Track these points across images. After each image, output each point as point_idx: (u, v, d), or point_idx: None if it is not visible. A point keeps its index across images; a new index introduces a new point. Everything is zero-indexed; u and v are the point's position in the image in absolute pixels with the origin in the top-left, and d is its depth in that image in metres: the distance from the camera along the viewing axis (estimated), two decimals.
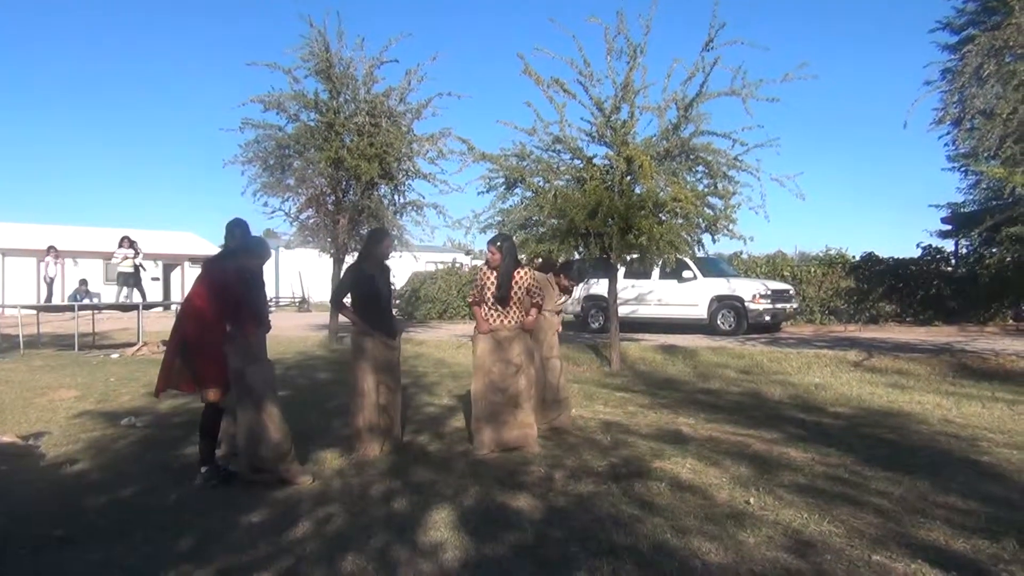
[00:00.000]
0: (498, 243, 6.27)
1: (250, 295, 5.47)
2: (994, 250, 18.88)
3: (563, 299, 7.47)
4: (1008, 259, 17.68)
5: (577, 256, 12.34)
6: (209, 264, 5.79)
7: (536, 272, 6.93)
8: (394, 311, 6.98)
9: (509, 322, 6.22)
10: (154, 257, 34.15)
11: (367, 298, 6.22)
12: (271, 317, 6.04)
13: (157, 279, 34.57)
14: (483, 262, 6.55)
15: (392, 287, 6.66)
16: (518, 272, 6.26)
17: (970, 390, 9.25)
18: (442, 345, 15.53)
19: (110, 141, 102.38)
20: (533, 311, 6.35)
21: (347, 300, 6.35)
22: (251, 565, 3.71)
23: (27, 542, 4.08)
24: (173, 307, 19.61)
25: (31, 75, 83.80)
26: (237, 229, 5.83)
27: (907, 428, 7.01)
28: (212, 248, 39.82)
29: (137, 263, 18.29)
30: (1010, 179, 10.88)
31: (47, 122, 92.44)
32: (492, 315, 6.23)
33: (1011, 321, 19.16)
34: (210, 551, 3.92)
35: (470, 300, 6.53)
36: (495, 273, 6.23)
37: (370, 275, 6.23)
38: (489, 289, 6.23)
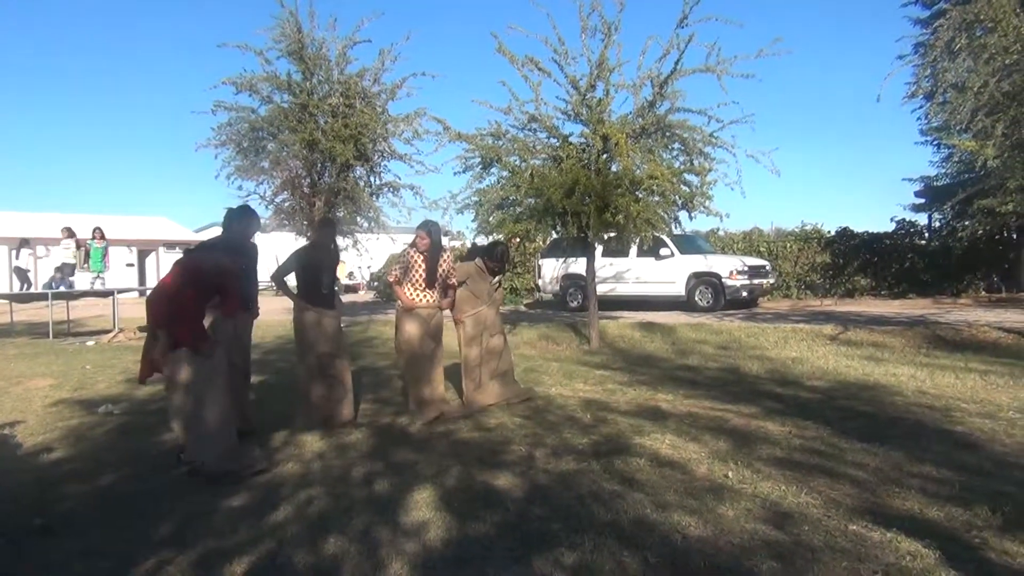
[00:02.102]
0: (428, 229, 6.77)
1: (230, 284, 5.48)
2: (966, 223, 19.08)
3: (496, 279, 7.63)
4: (980, 232, 17.90)
5: (554, 235, 12.36)
6: (189, 251, 5.78)
7: (462, 262, 7.61)
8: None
9: (431, 301, 6.79)
10: (128, 243, 33.82)
11: (309, 280, 6.55)
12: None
13: (132, 265, 34.25)
14: (410, 245, 6.92)
15: (336, 276, 7.16)
16: (442, 255, 6.84)
17: (944, 361, 9.38)
18: None
19: (81, 126, 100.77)
20: (451, 292, 7.03)
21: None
22: (233, 549, 3.70)
23: (6, 532, 4.04)
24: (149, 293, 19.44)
25: None
26: (236, 224, 6.08)
27: (882, 400, 7.10)
28: (186, 232, 39.55)
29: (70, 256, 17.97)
30: (981, 152, 10.98)
31: (15, 108, 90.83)
32: (416, 294, 6.72)
33: (983, 292, 19.45)
34: (191, 536, 3.91)
35: (391, 280, 6.95)
36: (423, 256, 6.69)
37: (317, 261, 6.57)
38: (416, 271, 6.68)
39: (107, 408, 7.32)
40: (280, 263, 6.65)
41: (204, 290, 5.25)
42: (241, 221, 6.15)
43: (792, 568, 3.32)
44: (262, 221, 15.36)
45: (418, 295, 6.73)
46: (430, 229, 6.77)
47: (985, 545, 3.50)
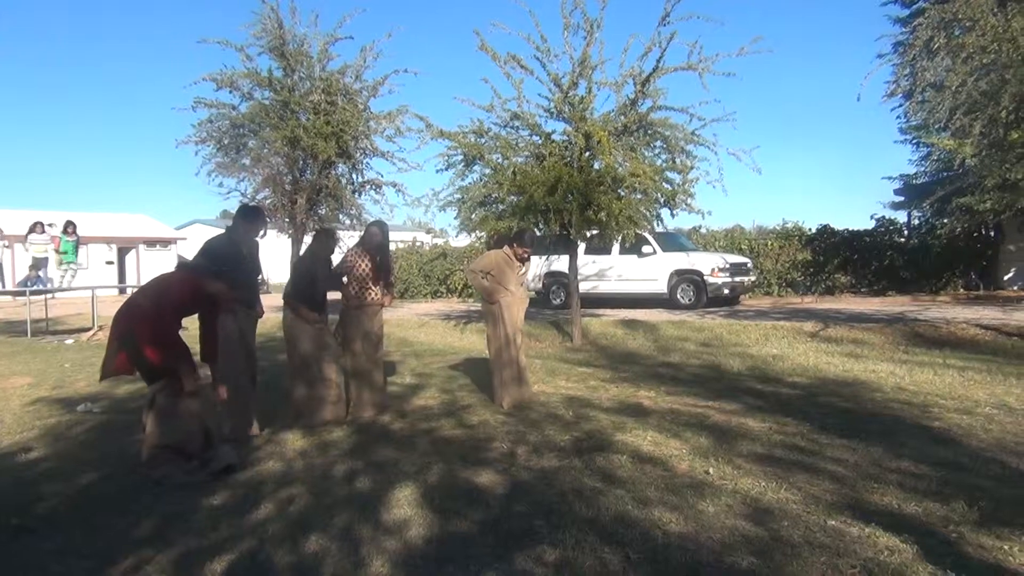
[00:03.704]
0: (380, 226, 7.03)
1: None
2: (945, 221, 19.32)
3: (523, 269, 7.49)
4: (958, 229, 18.08)
5: (537, 232, 12.35)
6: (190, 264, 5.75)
7: (487, 252, 7.57)
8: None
9: (376, 298, 6.92)
10: (107, 240, 33.51)
11: (304, 289, 6.63)
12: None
13: (111, 263, 33.93)
14: (356, 244, 7.08)
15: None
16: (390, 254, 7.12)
17: (922, 358, 9.46)
18: (404, 324, 15.50)
19: (60, 122, 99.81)
20: (391, 289, 7.16)
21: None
22: (213, 548, 3.69)
23: None
24: (129, 291, 19.27)
25: None
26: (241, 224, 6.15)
27: (862, 396, 7.16)
28: (167, 230, 39.22)
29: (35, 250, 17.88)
30: (959, 150, 11.12)
31: None
32: (362, 292, 6.83)
33: (962, 290, 19.62)
34: (171, 535, 3.88)
35: (344, 280, 6.99)
36: (371, 254, 6.82)
37: (313, 271, 6.68)
38: (362, 268, 6.79)
39: (86, 407, 7.27)
40: (289, 281, 6.77)
41: (189, 310, 5.24)
42: (246, 222, 6.17)
43: (772, 563, 3.35)
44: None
45: (364, 292, 6.84)
46: (382, 227, 7.03)
47: (962, 539, 3.54)
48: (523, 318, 7.34)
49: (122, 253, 35.26)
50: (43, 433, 6.33)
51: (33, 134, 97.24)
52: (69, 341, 13.58)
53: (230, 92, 13.19)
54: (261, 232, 6.33)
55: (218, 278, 5.32)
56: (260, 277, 6.81)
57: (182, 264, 5.72)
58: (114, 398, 7.73)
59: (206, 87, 13.02)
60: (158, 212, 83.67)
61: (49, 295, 17.63)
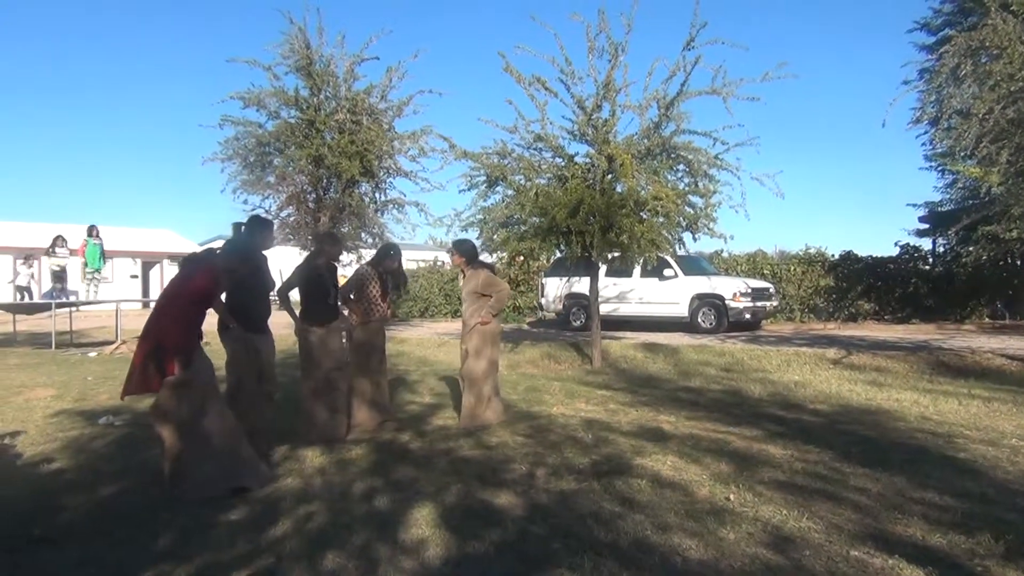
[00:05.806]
0: (398, 251, 7.40)
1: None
2: (970, 249, 19.11)
3: (468, 286, 7.33)
4: (984, 258, 17.88)
5: (558, 254, 12.38)
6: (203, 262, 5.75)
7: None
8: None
9: (381, 314, 7.23)
10: (132, 255, 33.90)
11: (313, 294, 6.66)
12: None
13: (136, 276, 34.32)
14: (370, 263, 7.42)
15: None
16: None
17: (947, 387, 9.34)
18: (424, 343, 15.51)
19: (88, 137, 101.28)
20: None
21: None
22: (231, 563, 3.69)
23: (3, 542, 4.03)
24: (152, 305, 19.45)
25: (7, 70, 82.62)
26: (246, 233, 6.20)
27: (885, 425, 7.07)
28: (191, 245, 39.60)
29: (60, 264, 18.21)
30: (986, 178, 11.01)
31: (21, 116, 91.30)
32: (373, 308, 7.11)
33: (987, 319, 19.39)
34: (189, 550, 3.89)
35: (352, 296, 7.21)
36: (381, 276, 7.19)
37: (319, 274, 6.67)
38: (374, 287, 7.10)
39: (108, 420, 7.33)
40: (284, 279, 6.69)
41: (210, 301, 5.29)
42: (250, 231, 6.19)
43: None
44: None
45: (371, 310, 7.10)
46: (398, 252, 7.39)
47: (988, 574, 3.48)
48: (472, 340, 7.10)
49: (146, 267, 35.69)
50: (65, 445, 6.38)
51: (60, 149, 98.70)
52: (92, 354, 13.72)
53: (257, 110, 13.37)
54: (268, 244, 6.29)
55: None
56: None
57: (191, 257, 5.64)
58: (136, 411, 7.76)
59: (233, 105, 13.21)
60: (183, 228, 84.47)
61: (74, 308, 17.81)
